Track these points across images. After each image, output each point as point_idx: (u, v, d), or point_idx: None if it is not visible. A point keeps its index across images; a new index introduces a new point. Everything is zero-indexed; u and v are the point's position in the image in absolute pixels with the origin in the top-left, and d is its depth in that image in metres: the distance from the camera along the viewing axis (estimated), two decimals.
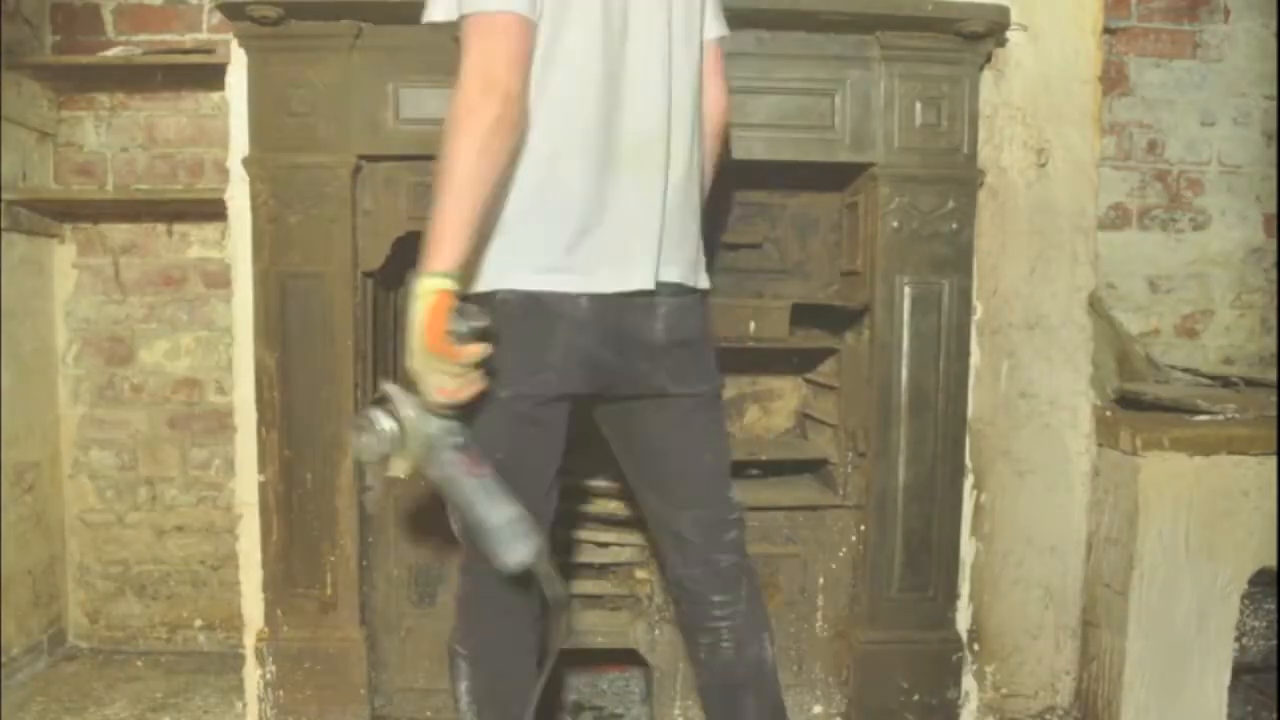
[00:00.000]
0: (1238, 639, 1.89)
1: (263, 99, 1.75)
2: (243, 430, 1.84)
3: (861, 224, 1.92)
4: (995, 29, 1.80)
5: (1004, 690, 2.01)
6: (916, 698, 1.90)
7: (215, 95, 2.23)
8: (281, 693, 1.82)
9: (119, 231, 2.34)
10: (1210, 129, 2.51)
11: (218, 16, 2.09)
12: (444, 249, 1.10)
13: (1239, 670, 1.91)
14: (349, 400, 1.79)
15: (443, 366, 1.11)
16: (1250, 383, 2.17)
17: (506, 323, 1.19)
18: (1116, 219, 2.50)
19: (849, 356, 1.96)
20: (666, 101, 1.26)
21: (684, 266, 1.32)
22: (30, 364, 2.23)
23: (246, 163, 1.77)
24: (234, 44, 1.78)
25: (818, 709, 1.97)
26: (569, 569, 1.99)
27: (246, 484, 1.84)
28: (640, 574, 1.97)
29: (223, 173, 1.88)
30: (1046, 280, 1.96)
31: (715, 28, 1.42)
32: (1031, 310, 1.96)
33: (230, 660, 2.13)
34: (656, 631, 1.92)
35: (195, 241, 2.36)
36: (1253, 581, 1.86)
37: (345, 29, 1.72)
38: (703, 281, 1.37)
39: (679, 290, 1.30)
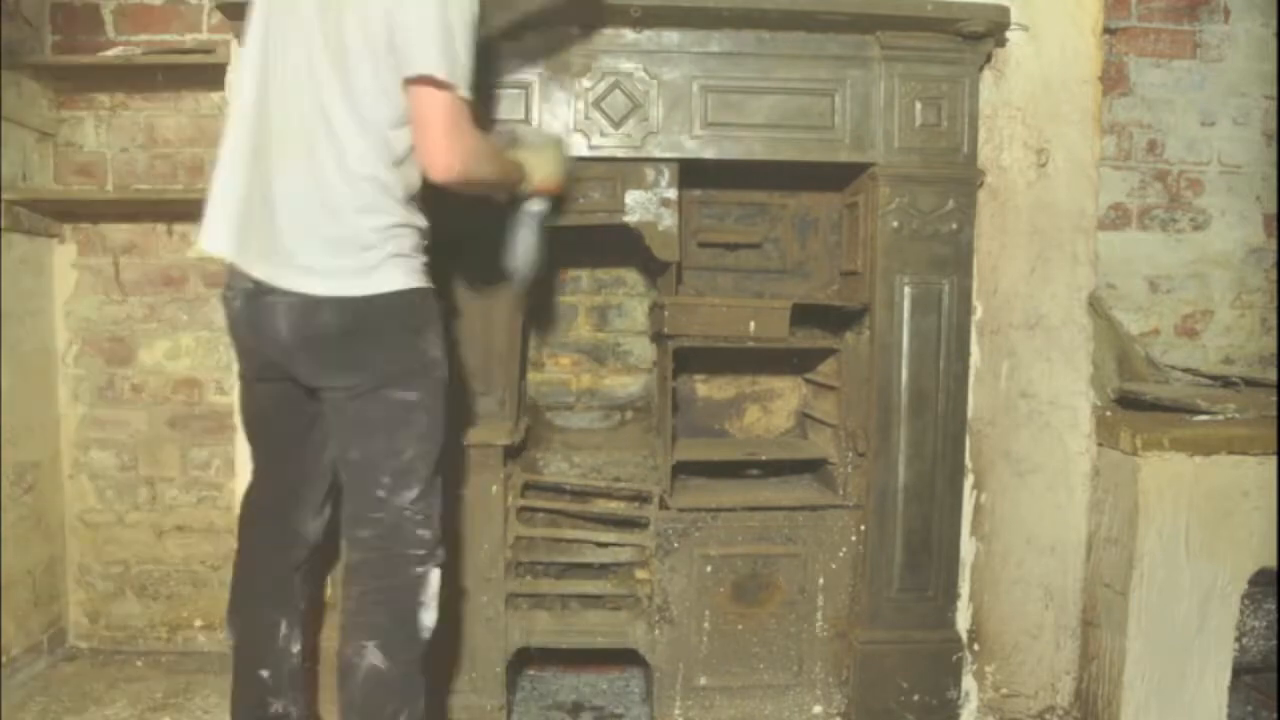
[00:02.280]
0: (1238, 639, 1.89)
1: None
2: (243, 430, 1.84)
3: (861, 224, 1.92)
4: (995, 29, 1.80)
5: (1004, 690, 2.01)
6: (916, 698, 1.90)
7: (215, 95, 2.22)
8: None
9: (119, 231, 2.34)
10: (1210, 129, 2.51)
11: (218, 16, 2.09)
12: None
13: (1239, 670, 1.91)
14: None
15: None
16: (1250, 383, 2.17)
17: None
18: (1116, 219, 2.50)
19: (849, 356, 1.96)
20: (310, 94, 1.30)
21: (298, 272, 1.31)
22: (30, 364, 2.23)
23: None
24: (234, 44, 1.78)
25: (818, 709, 1.97)
26: (569, 569, 1.99)
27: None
28: (640, 574, 1.97)
29: None
30: (1046, 280, 1.96)
31: (409, 64, 1.28)
32: (1031, 310, 1.96)
33: (230, 660, 2.12)
34: (656, 631, 1.93)
35: (195, 241, 2.35)
36: (1253, 581, 1.86)
37: None
38: (340, 289, 1.32)
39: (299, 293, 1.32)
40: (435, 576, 1.42)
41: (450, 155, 1.29)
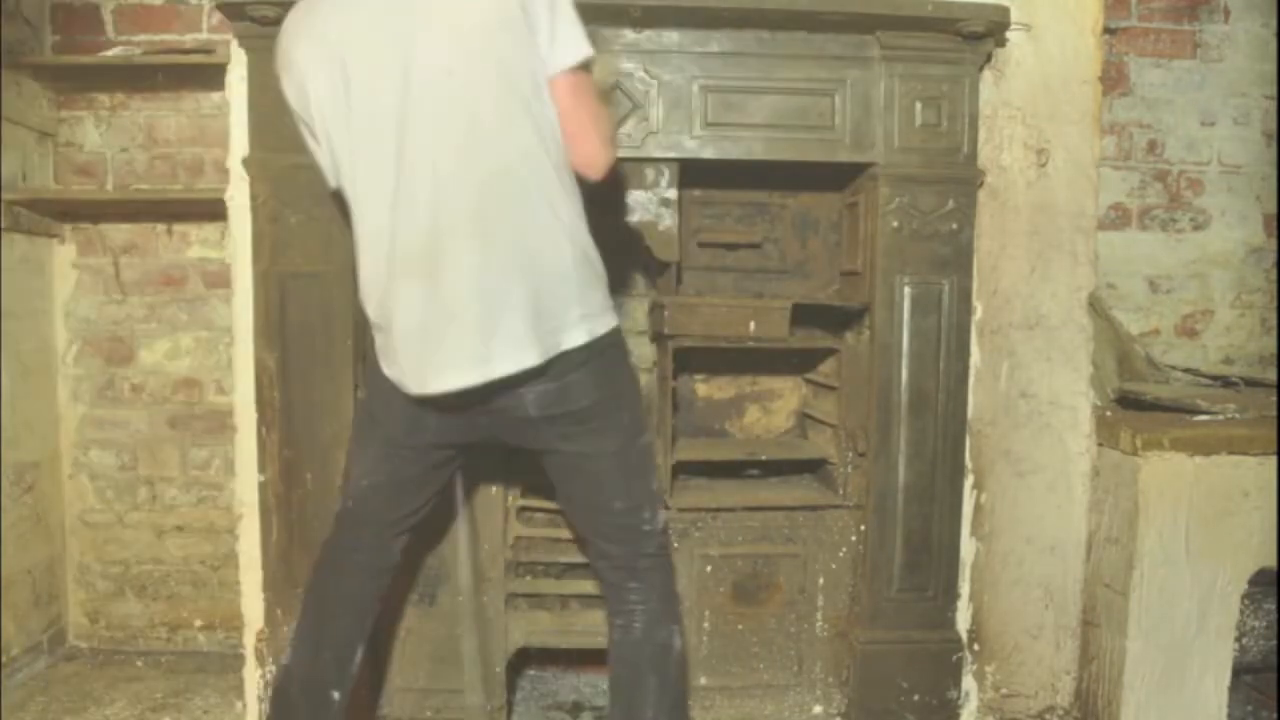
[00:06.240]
0: (1238, 639, 1.89)
1: (263, 99, 1.75)
2: (243, 430, 1.84)
3: (861, 224, 1.92)
4: (995, 29, 1.80)
5: (1004, 690, 2.01)
6: (916, 698, 1.90)
7: (215, 95, 2.23)
8: None
9: (119, 231, 2.34)
10: (1210, 129, 2.51)
11: (218, 16, 2.09)
12: None
13: (1239, 670, 1.91)
14: (349, 400, 1.79)
15: None
16: (1250, 383, 2.17)
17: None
18: (1116, 219, 2.50)
19: (849, 356, 1.96)
20: (432, 202, 1.26)
21: (520, 350, 1.29)
22: (30, 364, 2.23)
23: (246, 163, 1.77)
24: (234, 44, 1.78)
25: (818, 709, 1.97)
26: (569, 569, 1.99)
27: (246, 484, 1.84)
28: None
29: (223, 173, 1.88)
30: (1046, 280, 1.96)
31: (558, 58, 1.29)
32: (1031, 310, 1.96)
33: (230, 660, 2.13)
34: None
35: (195, 241, 2.35)
36: (1253, 581, 1.86)
37: None
38: (566, 342, 1.33)
39: (530, 374, 1.31)
40: None
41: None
